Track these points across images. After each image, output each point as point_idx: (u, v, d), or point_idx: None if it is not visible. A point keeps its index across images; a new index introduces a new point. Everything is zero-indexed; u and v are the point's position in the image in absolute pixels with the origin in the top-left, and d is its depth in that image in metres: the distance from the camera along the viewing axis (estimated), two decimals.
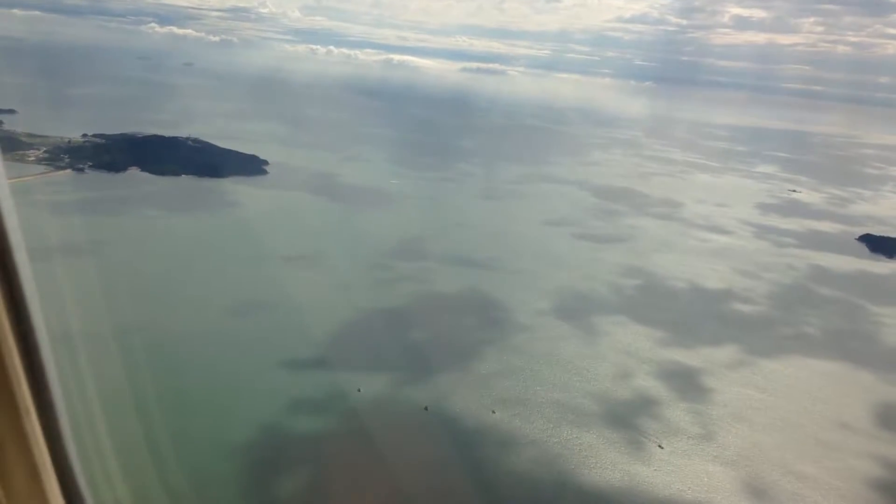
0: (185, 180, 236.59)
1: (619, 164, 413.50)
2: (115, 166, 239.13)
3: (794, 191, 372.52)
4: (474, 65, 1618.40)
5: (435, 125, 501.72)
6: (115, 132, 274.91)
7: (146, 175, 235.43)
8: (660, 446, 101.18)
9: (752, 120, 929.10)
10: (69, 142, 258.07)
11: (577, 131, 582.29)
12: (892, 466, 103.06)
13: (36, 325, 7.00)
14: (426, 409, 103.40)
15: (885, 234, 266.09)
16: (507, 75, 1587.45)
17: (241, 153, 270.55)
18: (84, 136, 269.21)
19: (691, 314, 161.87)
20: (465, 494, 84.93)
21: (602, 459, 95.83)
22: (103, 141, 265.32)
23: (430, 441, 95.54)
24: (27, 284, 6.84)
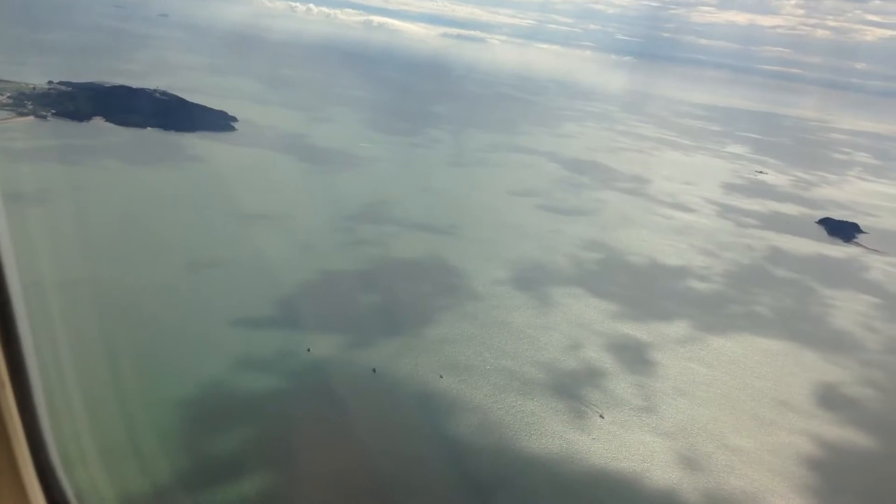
0: (150, 133, 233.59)
1: (591, 137, 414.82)
2: (78, 115, 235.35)
3: (761, 172, 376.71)
4: (455, 31, 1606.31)
5: (410, 90, 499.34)
6: (83, 81, 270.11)
7: (110, 125, 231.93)
8: (601, 416, 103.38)
9: (727, 99, 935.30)
10: (34, 88, 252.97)
11: (552, 103, 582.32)
12: (823, 444, 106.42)
13: (13, 296, 7.14)
14: (374, 371, 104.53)
15: (845, 219, 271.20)
16: (488, 43, 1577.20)
17: (210, 108, 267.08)
18: (50, 83, 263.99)
19: (647, 289, 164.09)
20: (404, 456, 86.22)
21: (543, 427, 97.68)
22: (69, 89, 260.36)
23: (375, 402, 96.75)
24: (6, 254, 6.87)
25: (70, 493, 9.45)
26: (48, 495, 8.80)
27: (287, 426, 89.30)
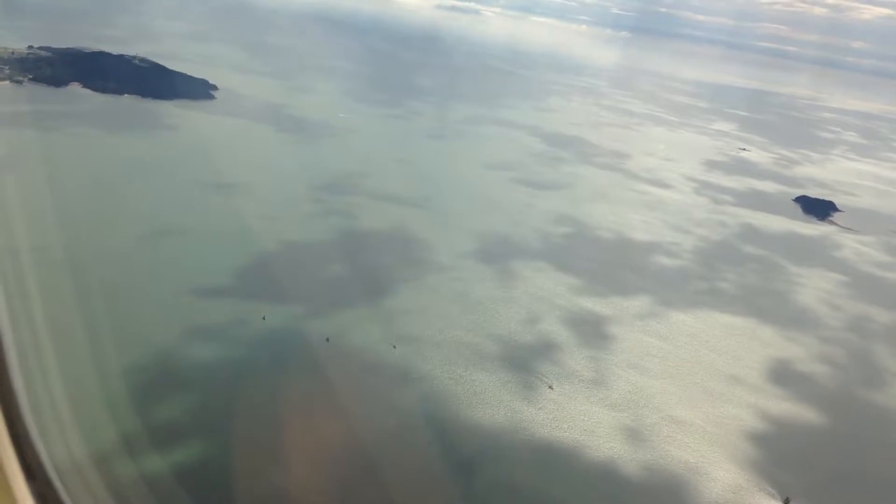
0: (127, 100, 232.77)
1: (575, 112, 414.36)
2: (56, 80, 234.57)
3: (744, 149, 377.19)
4: (450, 2, 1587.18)
5: (396, 61, 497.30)
6: (63, 46, 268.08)
7: (87, 92, 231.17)
8: (550, 387, 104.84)
9: (719, 76, 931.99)
10: (12, 53, 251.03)
11: (540, 76, 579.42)
12: (766, 417, 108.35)
13: None
14: (328, 340, 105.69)
15: (823, 197, 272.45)
16: (482, 15, 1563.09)
17: (190, 76, 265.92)
18: (30, 47, 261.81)
19: (613, 264, 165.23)
20: (349, 423, 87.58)
21: (491, 397, 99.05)
22: (48, 54, 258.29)
23: (325, 371, 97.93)
24: None
25: (46, 457, 9.79)
26: (23, 461, 9.17)
27: (236, 393, 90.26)
